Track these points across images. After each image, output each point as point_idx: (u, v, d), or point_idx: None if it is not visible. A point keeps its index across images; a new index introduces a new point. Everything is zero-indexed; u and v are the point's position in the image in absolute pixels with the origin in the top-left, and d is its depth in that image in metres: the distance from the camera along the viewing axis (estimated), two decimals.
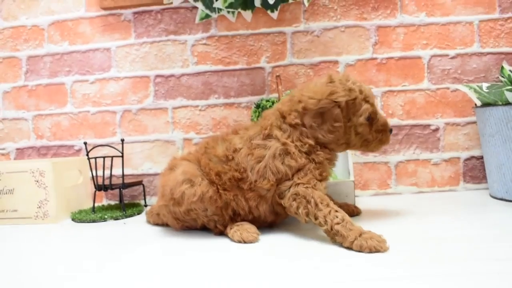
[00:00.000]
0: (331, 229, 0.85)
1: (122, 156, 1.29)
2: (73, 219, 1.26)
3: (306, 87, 1.00)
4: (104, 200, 1.49)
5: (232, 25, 1.42)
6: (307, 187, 0.92)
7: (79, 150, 1.49)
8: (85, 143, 1.28)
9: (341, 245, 0.84)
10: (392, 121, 1.39)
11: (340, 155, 1.34)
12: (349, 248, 0.82)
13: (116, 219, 1.24)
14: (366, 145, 1.02)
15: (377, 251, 0.80)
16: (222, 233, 0.99)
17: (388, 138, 1.03)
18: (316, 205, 0.89)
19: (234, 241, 0.93)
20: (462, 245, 0.82)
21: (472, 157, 1.38)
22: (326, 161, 0.97)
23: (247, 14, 1.32)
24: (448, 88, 1.38)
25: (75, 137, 1.49)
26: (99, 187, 1.29)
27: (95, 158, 1.31)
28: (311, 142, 0.95)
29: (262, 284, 0.67)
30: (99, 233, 1.10)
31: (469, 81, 1.37)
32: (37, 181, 1.25)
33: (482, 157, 1.38)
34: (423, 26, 1.38)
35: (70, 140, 1.49)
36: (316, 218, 0.88)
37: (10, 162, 1.42)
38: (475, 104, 1.28)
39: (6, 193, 1.26)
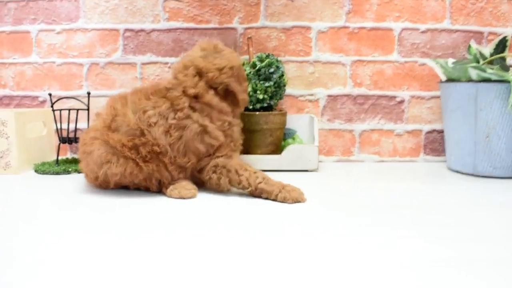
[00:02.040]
0: (256, 189, 0.95)
1: (88, 110, 1.27)
2: (36, 171, 1.24)
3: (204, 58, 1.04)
4: (68, 153, 1.47)
5: None
6: (225, 158, 1.00)
7: (43, 102, 1.46)
8: (50, 95, 1.25)
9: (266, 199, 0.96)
10: (359, 91, 1.41)
11: (307, 121, 1.37)
12: (274, 200, 0.94)
13: (80, 172, 1.23)
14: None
15: (298, 201, 0.93)
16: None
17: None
18: (237, 171, 0.97)
19: (173, 198, 0.97)
20: (420, 212, 0.85)
21: (434, 130, 1.42)
22: (239, 132, 1.06)
23: None
24: (416, 62, 1.40)
25: (39, 88, 1.45)
26: (64, 140, 1.27)
27: (60, 110, 1.28)
28: (229, 118, 1.03)
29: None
30: (61, 185, 1.09)
31: (437, 56, 1.40)
32: None
33: (443, 131, 1.42)
34: None
35: (34, 91, 1.45)
36: (239, 183, 0.97)
37: None
38: (440, 79, 1.31)
39: None
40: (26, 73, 1.45)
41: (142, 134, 0.96)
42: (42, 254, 0.64)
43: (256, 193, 0.96)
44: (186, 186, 0.98)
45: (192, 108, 0.99)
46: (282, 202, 0.93)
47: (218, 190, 1.01)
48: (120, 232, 0.74)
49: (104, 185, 1.01)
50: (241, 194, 1.00)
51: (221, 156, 1.00)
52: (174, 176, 1.00)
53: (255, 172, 0.97)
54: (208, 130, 0.98)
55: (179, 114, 0.97)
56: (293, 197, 0.93)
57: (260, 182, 0.95)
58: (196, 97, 1.00)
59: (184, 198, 0.96)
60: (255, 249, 0.66)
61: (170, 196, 0.97)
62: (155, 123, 0.96)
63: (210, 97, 1.01)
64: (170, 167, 0.98)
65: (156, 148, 0.96)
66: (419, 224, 0.78)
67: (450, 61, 1.21)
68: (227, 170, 0.98)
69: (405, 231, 0.74)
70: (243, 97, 1.07)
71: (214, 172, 0.99)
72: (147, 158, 0.96)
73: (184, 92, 0.99)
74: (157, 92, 1.00)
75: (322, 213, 0.85)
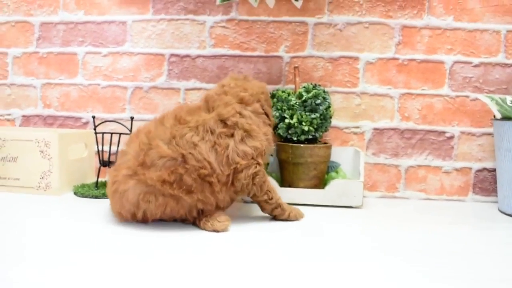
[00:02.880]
0: (274, 203, 1.03)
1: (130, 134, 1.26)
2: (75, 193, 1.24)
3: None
4: (107, 176, 1.46)
5: (254, 10, 1.38)
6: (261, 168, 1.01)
7: (86, 123, 1.46)
8: (93, 117, 1.25)
9: (274, 217, 1.05)
10: (407, 125, 1.36)
11: (351, 155, 1.32)
12: (286, 220, 1.05)
13: None
14: None
15: (302, 218, 1.07)
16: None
17: None
18: (267, 183, 1.02)
19: (207, 231, 0.95)
20: (468, 261, 0.80)
21: (484, 169, 1.36)
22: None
23: (270, 0, 1.28)
24: (467, 97, 1.35)
25: (83, 109, 1.46)
26: (104, 163, 1.26)
27: (103, 133, 1.28)
28: (270, 130, 1.06)
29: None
30: (99, 210, 1.08)
31: (490, 91, 1.34)
32: (41, 152, 1.22)
33: (494, 170, 1.35)
34: (449, 31, 1.34)
35: (78, 112, 1.46)
36: (265, 194, 1.02)
37: (15, 129, 1.40)
38: (494, 116, 1.25)
39: (10, 161, 1.24)
40: (71, 94, 1.46)
41: (184, 161, 0.92)
42: (71, 278, 0.62)
43: (271, 208, 1.03)
44: (219, 218, 0.97)
45: (240, 113, 1.00)
46: (293, 220, 1.05)
47: (240, 193, 1.01)
48: (156, 264, 0.71)
49: (142, 222, 0.97)
50: (267, 227, 0.96)
51: (261, 164, 1.00)
52: (219, 198, 0.97)
53: (275, 189, 1.05)
54: (253, 134, 1.00)
55: (228, 121, 0.98)
56: (300, 214, 1.07)
57: (279, 198, 1.04)
58: (244, 102, 1.03)
59: (218, 232, 0.94)
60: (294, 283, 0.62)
61: (204, 229, 0.95)
62: (200, 141, 0.94)
63: (257, 106, 1.05)
64: (216, 188, 0.95)
65: (203, 171, 0.93)
66: (475, 276, 0.72)
67: (509, 98, 1.15)
68: (263, 181, 1.01)
69: (453, 281, 0.69)
70: (273, 119, 1.13)
71: (253, 178, 0.99)
72: (192, 188, 0.93)
73: (234, 97, 1.03)
74: (195, 111, 1.01)
75: (368, 253, 0.80)
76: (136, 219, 0.96)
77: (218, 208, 1.00)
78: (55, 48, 1.46)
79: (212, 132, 0.96)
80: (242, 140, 0.98)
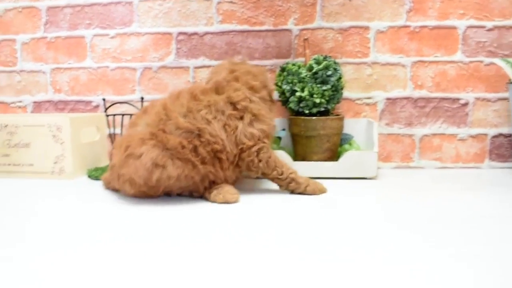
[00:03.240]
0: (287, 178, 1.03)
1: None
2: (89, 176, 1.24)
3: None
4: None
5: None
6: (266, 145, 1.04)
7: (97, 106, 1.46)
8: (104, 100, 1.25)
9: (292, 192, 1.04)
10: (420, 93, 1.34)
11: (364, 126, 1.31)
12: (302, 193, 1.03)
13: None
14: None
15: (323, 192, 1.04)
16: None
17: None
18: (275, 159, 1.03)
19: (217, 203, 0.97)
20: (486, 225, 0.78)
21: (500, 134, 1.34)
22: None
23: None
24: (481, 62, 1.32)
25: (93, 92, 1.46)
26: None
27: (113, 115, 1.28)
28: (274, 117, 1.09)
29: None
30: (114, 192, 1.08)
31: (504, 55, 1.31)
32: (54, 136, 1.22)
33: (510, 135, 1.33)
34: None
35: (88, 96, 1.46)
36: (273, 170, 1.02)
37: (27, 115, 1.40)
38: (509, 80, 1.22)
39: (22, 147, 1.24)
40: (80, 78, 1.46)
41: (199, 135, 0.96)
42: (90, 261, 0.62)
43: (285, 183, 1.03)
44: (230, 190, 0.99)
45: (250, 99, 1.03)
46: (311, 194, 1.03)
47: (249, 173, 1.04)
48: (174, 239, 0.71)
49: (152, 191, 0.97)
50: (279, 197, 0.96)
51: (266, 143, 1.03)
52: (227, 175, 1.01)
53: (287, 164, 1.05)
54: (261, 118, 1.03)
55: (238, 105, 1.01)
56: (320, 189, 1.04)
57: (291, 173, 1.03)
58: (253, 90, 1.06)
59: (229, 203, 0.97)
60: (308, 256, 0.61)
61: (214, 201, 0.97)
62: (213, 119, 0.98)
63: (265, 93, 1.08)
64: (225, 165, 0.99)
65: (216, 146, 0.97)
66: (488, 240, 0.71)
67: None
68: (268, 156, 1.02)
69: (472, 247, 0.68)
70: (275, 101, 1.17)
71: (258, 154, 1.01)
72: (205, 160, 0.96)
73: (244, 84, 1.05)
74: (207, 91, 1.03)
75: (383, 226, 0.79)
76: (148, 186, 0.95)
77: (227, 182, 1.03)
78: (63, 32, 1.45)
79: (222, 113, 1.00)
80: (250, 123, 1.01)
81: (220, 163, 0.99)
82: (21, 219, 0.86)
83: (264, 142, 1.02)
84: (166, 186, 0.96)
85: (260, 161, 1.01)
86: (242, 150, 1.00)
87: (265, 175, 1.03)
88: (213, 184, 1.00)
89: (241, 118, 1.01)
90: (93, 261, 0.64)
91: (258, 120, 1.02)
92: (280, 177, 1.02)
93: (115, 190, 1.07)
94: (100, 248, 0.69)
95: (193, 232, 0.77)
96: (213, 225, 0.81)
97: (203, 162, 0.96)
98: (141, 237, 0.75)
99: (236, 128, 1.00)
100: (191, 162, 0.95)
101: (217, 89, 1.04)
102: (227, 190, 0.99)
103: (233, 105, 1.01)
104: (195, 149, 0.95)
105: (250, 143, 1.00)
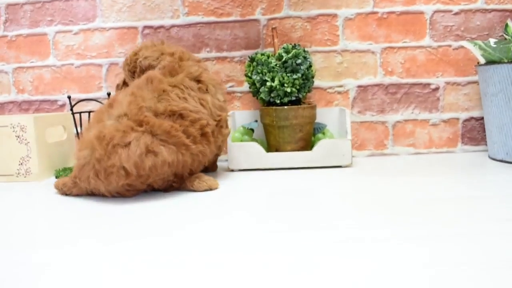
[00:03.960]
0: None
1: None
2: (57, 177, 1.20)
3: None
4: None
5: None
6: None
7: (63, 105, 1.42)
8: (69, 97, 1.21)
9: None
10: (391, 79, 1.33)
11: (336, 114, 1.30)
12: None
13: None
14: None
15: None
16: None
17: None
18: None
19: (200, 191, 0.98)
20: (462, 206, 0.78)
21: (472, 118, 1.34)
22: None
23: None
24: (450, 46, 1.32)
25: (58, 91, 1.41)
26: None
27: (80, 113, 1.24)
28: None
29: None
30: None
31: (472, 38, 1.31)
32: (18, 137, 1.18)
33: (481, 118, 1.34)
34: None
35: (53, 95, 1.41)
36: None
37: None
38: (478, 62, 1.23)
39: None
40: (44, 76, 1.41)
41: (181, 115, 0.96)
42: (63, 265, 0.59)
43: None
44: (209, 178, 1.00)
45: (205, 72, 1.10)
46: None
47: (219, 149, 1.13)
48: (170, 229, 0.69)
49: (140, 181, 0.91)
50: (255, 191, 0.94)
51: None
52: (212, 150, 1.04)
53: None
54: (218, 87, 1.11)
55: (201, 79, 1.05)
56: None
57: None
58: (200, 64, 1.13)
59: (212, 189, 0.99)
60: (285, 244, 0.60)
61: (198, 189, 0.98)
62: (188, 96, 1.00)
63: (204, 66, 1.15)
64: (211, 139, 1.00)
65: (202, 121, 0.98)
66: (471, 219, 0.71)
67: (492, 41, 1.13)
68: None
69: (451, 227, 0.67)
70: None
71: (226, 126, 1.11)
72: (196, 139, 0.97)
73: (192, 60, 1.11)
74: (165, 75, 1.02)
75: (361, 212, 0.78)
76: (139, 175, 0.90)
77: (209, 161, 1.07)
78: (24, 30, 1.40)
79: (192, 89, 1.02)
80: (215, 94, 1.06)
81: (206, 138, 0.99)
82: None
83: (227, 114, 1.10)
84: (157, 174, 0.92)
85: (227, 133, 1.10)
86: (218, 123, 1.04)
87: (219, 150, 1.12)
88: (190, 173, 0.99)
89: (207, 90, 1.05)
90: (65, 264, 0.61)
91: (219, 90, 1.09)
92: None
93: (79, 194, 0.99)
94: (77, 249, 0.66)
95: (188, 227, 0.74)
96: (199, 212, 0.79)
97: (194, 141, 0.96)
98: (118, 236, 0.72)
99: (207, 101, 1.03)
100: (184, 144, 0.94)
101: (171, 72, 1.03)
102: (207, 178, 1.00)
103: (196, 80, 1.04)
104: (185, 130, 0.94)
105: (224, 114, 1.06)
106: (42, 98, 1.42)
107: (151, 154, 0.90)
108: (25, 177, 1.19)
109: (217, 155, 1.17)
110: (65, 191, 1.00)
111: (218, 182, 1.01)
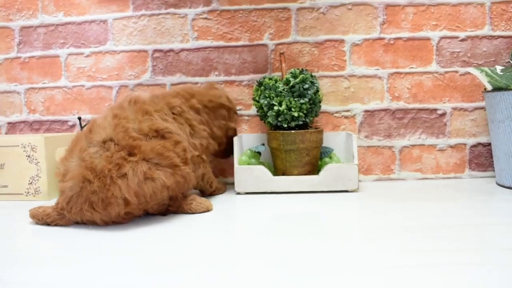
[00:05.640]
0: (214, 187, 1.19)
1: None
2: None
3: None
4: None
5: None
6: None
7: (73, 126, 1.44)
8: (79, 118, 1.23)
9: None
10: (398, 105, 1.34)
11: (343, 139, 1.31)
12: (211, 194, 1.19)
13: None
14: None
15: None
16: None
17: None
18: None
19: (198, 213, 1.00)
20: (469, 234, 0.78)
21: (479, 143, 1.34)
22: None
23: None
24: (456, 72, 1.33)
25: (69, 112, 1.43)
26: None
27: None
28: (208, 130, 1.15)
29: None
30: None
31: (478, 64, 1.32)
32: (28, 156, 1.20)
33: (489, 144, 1.34)
34: (433, 6, 1.32)
35: (63, 116, 1.44)
36: (208, 184, 1.17)
37: (1, 136, 1.37)
38: (485, 89, 1.23)
39: None
40: (55, 97, 1.43)
41: (163, 136, 0.97)
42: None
43: (209, 192, 1.19)
44: (204, 199, 1.03)
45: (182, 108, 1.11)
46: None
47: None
48: (175, 256, 0.69)
49: (140, 208, 0.91)
50: (259, 216, 0.94)
51: (205, 160, 1.14)
52: (196, 175, 1.08)
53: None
54: (195, 129, 1.11)
55: (174, 110, 1.08)
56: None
57: (214, 181, 1.20)
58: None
59: (209, 210, 1.02)
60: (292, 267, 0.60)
61: (196, 211, 1.00)
62: (169, 119, 1.03)
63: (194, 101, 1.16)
64: (191, 165, 1.00)
65: (183, 144, 0.99)
66: (479, 248, 0.71)
67: (499, 68, 1.14)
68: (208, 177, 1.18)
69: (458, 255, 0.67)
70: None
71: (202, 178, 1.15)
72: (184, 160, 0.97)
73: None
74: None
75: (367, 238, 0.78)
76: (139, 202, 0.89)
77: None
78: (37, 52, 1.43)
79: (170, 116, 1.05)
80: (190, 134, 1.08)
81: (186, 163, 0.98)
82: None
83: (203, 160, 1.12)
84: (156, 199, 0.92)
85: (203, 181, 1.14)
86: (195, 157, 1.07)
87: (199, 187, 1.17)
88: (184, 196, 1.00)
89: (182, 124, 1.06)
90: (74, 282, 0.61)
91: (195, 132, 1.10)
92: (210, 188, 1.19)
93: (66, 224, 0.94)
94: (82, 270, 0.67)
95: (192, 248, 0.75)
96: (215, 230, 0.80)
97: (183, 162, 0.96)
98: (125, 259, 0.72)
99: (184, 132, 1.05)
100: (176, 165, 0.94)
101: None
102: (203, 199, 1.03)
103: (172, 111, 1.06)
104: (173, 151, 0.95)
105: (196, 153, 1.08)
106: (53, 119, 1.44)
107: (149, 181, 0.89)
108: (34, 196, 1.20)
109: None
110: (47, 222, 0.94)
111: (211, 203, 1.05)
